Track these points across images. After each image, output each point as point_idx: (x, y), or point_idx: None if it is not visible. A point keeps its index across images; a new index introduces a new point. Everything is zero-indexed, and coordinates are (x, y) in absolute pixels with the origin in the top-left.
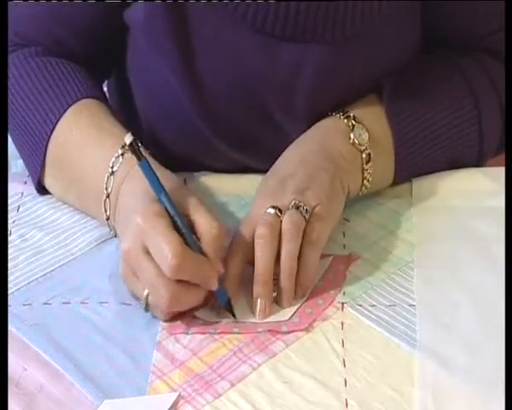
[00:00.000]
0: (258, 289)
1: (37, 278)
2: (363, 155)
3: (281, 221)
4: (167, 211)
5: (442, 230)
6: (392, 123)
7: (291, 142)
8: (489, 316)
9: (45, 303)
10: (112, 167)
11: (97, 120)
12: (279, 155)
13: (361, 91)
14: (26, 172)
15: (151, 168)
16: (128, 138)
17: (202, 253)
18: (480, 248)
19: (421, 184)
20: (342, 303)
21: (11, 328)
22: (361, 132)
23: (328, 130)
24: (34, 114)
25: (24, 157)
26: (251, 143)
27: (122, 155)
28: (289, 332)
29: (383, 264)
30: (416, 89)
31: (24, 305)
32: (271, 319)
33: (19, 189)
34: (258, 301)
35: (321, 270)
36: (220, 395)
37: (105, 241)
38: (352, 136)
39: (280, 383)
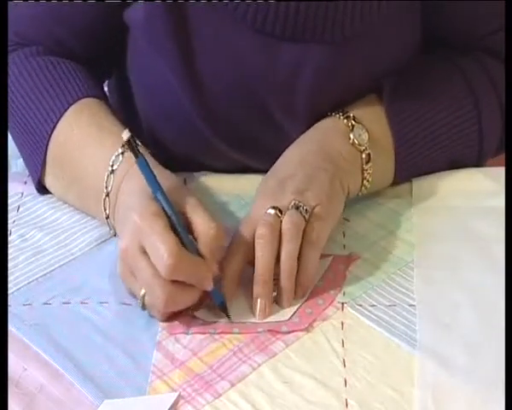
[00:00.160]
0: (258, 289)
1: (37, 278)
2: (363, 156)
3: (281, 221)
4: (164, 210)
5: (442, 230)
6: (392, 123)
7: (291, 142)
8: (489, 316)
9: (45, 303)
10: (112, 166)
11: (98, 119)
12: (279, 155)
13: (361, 91)
14: (26, 172)
15: (148, 166)
16: (125, 135)
17: (199, 253)
18: (480, 248)
19: (421, 184)
20: (342, 303)
21: (11, 328)
22: (361, 132)
23: (328, 130)
24: (35, 113)
25: (24, 156)
26: (251, 143)
27: (122, 153)
28: (289, 332)
29: (383, 264)
30: (415, 89)
31: (24, 305)
32: (271, 319)
33: (19, 189)
34: (259, 301)
35: (321, 270)
36: (220, 395)
37: (105, 241)
38: (351, 136)
39: (280, 383)
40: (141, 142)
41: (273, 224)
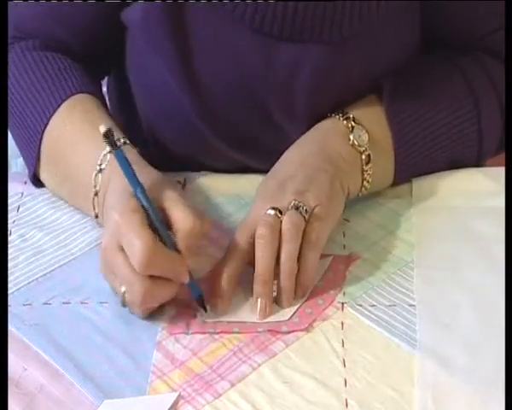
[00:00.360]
0: (258, 288)
1: (37, 278)
2: (363, 156)
3: (281, 222)
4: (142, 205)
5: (442, 230)
6: (391, 124)
7: (291, 142)
8: (489, 316)
9: (45, 303)
10: (100, 165)
11: (91, 116)
12: (279, 155)
13: (360, 91)
14: (26, 172)
15: (126, 160)
16: (102, 128)
17: (177, 248)
18: (480, 248)
19: (421, 184)
20: (342, 303)
21: (11, 328)
22: (360, 133)
23: (328, 131)
24: (30, 108)
25: (20, 150)
26: (250, 143)
27: (110, 152)
28: (289, 332)
29: (383, 264)
30: (415, 89)
31: (24, 305)
32: (271, 319)
33: (19, 189)
34: (259, 300)
35: (321, 270)
36: (220, 395)
37: None
38: (351, 137)
39: (280, 383)
40: (137, 142)
41: (273, 224)
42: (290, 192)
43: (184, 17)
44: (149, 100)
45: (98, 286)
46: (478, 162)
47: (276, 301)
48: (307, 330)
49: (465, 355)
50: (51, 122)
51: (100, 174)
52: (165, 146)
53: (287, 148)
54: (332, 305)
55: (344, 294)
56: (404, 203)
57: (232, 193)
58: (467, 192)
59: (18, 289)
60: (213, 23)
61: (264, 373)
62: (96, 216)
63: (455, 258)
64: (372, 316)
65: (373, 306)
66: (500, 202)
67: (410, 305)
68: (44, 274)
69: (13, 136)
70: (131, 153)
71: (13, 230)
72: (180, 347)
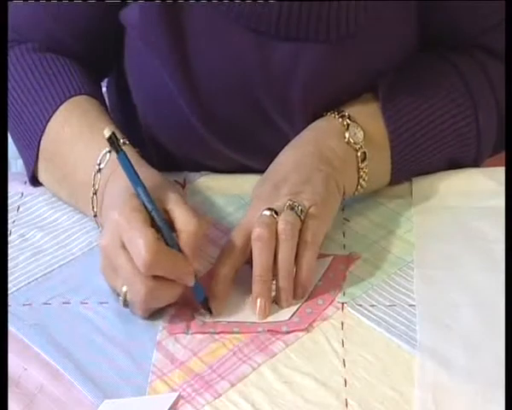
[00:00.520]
0: (257, 288)
1: (37, 278)
2: (359, 154)
3: (276, 222)
4: (145, 206)
5: (442, 230)
6: (387, 121)
7: (289, 141)
8: (489, 316)
9: (45, 303)
10: (99, 164)
11: (89, 118)
12: (277, 155)
13: (356, 90)
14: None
15: (129, 162)
16: (107, 132)
17: (180, 249)
18: (480, 248)
19: (421, 184)
20: (342, 303)
21: (11, 328)
22: (356, 131)
23: (323, 130)
24: (29, 109)
25: (19, 150)
26: (248, 142)
27: (109, 152)
28: (289, 332)
29: (383, 264)
30: (412, 87)
31: (24, 305)
32: (271, 319)
33: (19, 189)
34: (258, 300)
35: (321, 270)
36: (220, 395)
37: None
38: (346, 135)
39: (280, 383)
40: (136, 142)
41: (269, 224)
42: (285, 193)
43: (181, 17)
44: (147, 100)
45: (98, 286)
46: (476, 161)
47: (276, 301)
48: (307, 330)
49: (465, 355)
50: (50, 123)
51: (99, 174)
52: (164, 146)
53: (282, 149)
54: (332, 305)
55: (344, 294)
56: (404, 203)
57: (232, 193)
58: (467, 192)
59: (18, 290)
60: (210, 23)
61: (264, 373)
62: (95, 215)
63: (455, 258)
64: (372, 316)
65: (373, 306)
66: (500, 202)
67: (410, 305)
68: (44, 274)
69: (12, 137)
70: (132, 153)
71: (13, 230)
72: (180, 347)
